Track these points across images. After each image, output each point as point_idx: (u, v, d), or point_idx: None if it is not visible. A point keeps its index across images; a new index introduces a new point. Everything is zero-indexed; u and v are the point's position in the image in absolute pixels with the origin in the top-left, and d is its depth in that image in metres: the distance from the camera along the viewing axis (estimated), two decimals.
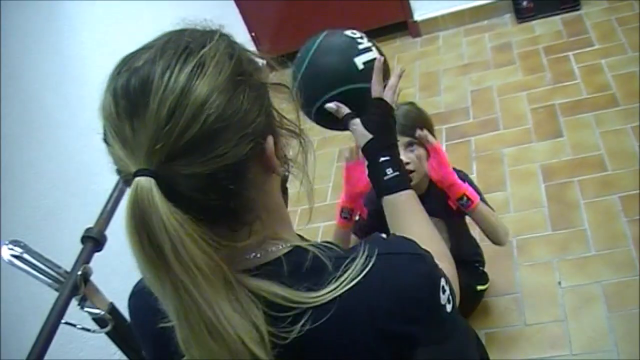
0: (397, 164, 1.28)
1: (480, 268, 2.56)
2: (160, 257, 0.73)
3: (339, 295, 0.82)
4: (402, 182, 1.25)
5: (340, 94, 1.35)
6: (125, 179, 0.77)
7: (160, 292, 0.76)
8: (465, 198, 2.08)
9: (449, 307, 0.94)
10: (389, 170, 1.25)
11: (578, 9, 4.20)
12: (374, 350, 0.85)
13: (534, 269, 2.65)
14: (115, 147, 0.76)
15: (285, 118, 0.90)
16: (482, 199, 2.23)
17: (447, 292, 0.94)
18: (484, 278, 2.55)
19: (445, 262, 1.09)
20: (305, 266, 0.85)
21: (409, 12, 4.65)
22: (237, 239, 0.83)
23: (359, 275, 0.83)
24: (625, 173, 2.88)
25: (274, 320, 0.80)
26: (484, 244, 2.56)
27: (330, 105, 1.33)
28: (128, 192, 0.74)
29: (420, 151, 2.15)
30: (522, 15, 4.35)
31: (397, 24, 4.73)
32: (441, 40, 4.60)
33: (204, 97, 0.74)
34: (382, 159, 1.27)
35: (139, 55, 0.78)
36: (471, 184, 2.24)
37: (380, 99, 1.31)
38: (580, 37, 3.95)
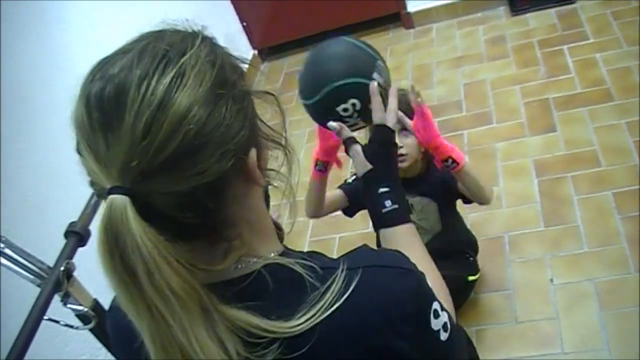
0: (396, 196, 1.22)
1: (471, 258, 2.55)
2: (133, 280, 0.69)
3: (319, 323, 0.78)
4: (401, 215, 1.21)
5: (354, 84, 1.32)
6: (99, 193, 0.73)
7: (134, 316, 0.72)
8: (450, 160, 1.96)
9: (444, 336, 0.89)
10: (388, 203, 1.21)
11: (573, 2, 4.18)
12: None
13: (525, 266, 2.63)
14: (89, 160, 0.73)
15: (271, 128, 0.86)
16: None
17: (443, 319, 0.90)
18: (474, 268, 2.54)
19: (442, 297, 1.04)
20: (283, 282, 0.81)
21: (402, 3, 4.62)
22: (214, 254, 0.80)
23: (342, 295, 0.79)
24: (619, 169, 2.87)
25: (251, 346, 0.77)
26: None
27: (333, 125, 1.28)
28: (101, 209, 0.70)
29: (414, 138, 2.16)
30: (517, 8, 4.33)
31: (390, 15, 4.70)
32: (434, 33, 4.56)
33: (184, 110, 0.69)
34: (381, 190, 1.22)
35: (114, 61, 0.74)
36: None
37: (383, 125, 1.25)
38: (575, 31, 3.93)
